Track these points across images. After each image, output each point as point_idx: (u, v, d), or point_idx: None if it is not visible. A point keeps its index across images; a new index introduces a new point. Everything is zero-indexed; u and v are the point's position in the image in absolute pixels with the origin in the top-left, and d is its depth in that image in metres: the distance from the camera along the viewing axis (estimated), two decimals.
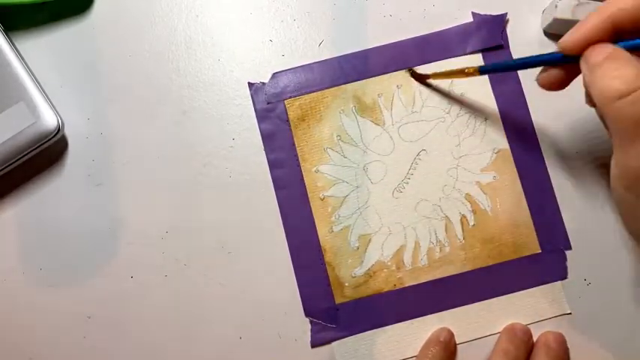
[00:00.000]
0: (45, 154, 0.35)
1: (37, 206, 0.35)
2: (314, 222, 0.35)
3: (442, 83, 0.36)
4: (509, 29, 0.36)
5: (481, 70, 0.32)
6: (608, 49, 0.24)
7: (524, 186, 0.35)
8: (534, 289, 0.34)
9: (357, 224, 0.35)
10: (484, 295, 0.34)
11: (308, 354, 0.34)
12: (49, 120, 0.33)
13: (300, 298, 0.34)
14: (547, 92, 0.36)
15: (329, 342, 0.34)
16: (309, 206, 0.35)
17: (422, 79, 0.36)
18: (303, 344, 0.34)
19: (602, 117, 0.28)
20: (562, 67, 0.27)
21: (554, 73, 0.28)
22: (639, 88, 0.23)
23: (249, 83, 0.36)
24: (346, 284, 0.34)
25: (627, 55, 0.24)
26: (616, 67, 0.24)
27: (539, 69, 0.29)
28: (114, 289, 0.34)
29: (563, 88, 0.28)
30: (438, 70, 0.35)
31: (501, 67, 0.33)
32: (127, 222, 0.35)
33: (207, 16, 0.37)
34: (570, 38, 0.26)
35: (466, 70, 0.33)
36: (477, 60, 0.36)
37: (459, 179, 0.35)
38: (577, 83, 0.35)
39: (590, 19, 0.25)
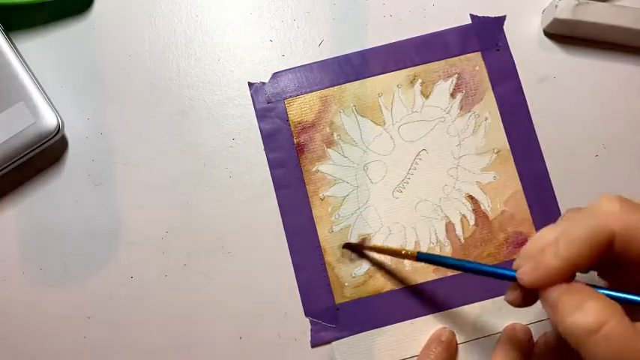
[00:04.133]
0: (45, 154, 0.35)
1: (37, 206, 0.35)
2: (314, 222, 0.35)
3: (444, 84, 0.36)
4: (509, 29, 0.36)
5: (418, 257, 0.30)
6: (564, 284, 0.23)
7: (524, 186, 0.35)
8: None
9: (357, 224, 0.35)
10: (484, 295, 0.34)
11: (308, 354, 0.34)
12: (49, 120, 0.33)
13: (300, 298, 0.34)
14: (547, 92, 0.36)
15: (329, 342, 0.34)
16: (309, 206, 0.35)
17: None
18: (303, 344, 0.34)
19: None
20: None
21: (515, 295, 0.25)
22: (609, 321, 0.21)
23: (249, 83, 0.36)
24: (346, 284, 0.34)
25: (586, 286, 0.23)
26: (578, 302, 0.22)
27: None
28: (114, 289, 0.34)
29: (533, 303, 0.25)
30: (378, 245, 0.34)
31: (439, 262, 0.30)
32: (127, 222, 0.35)
33: (207, 16, 0.37)
34: (530, 275, 0.24)
35: (404, 252, 0.31)
36: (476, 58, 0.36)
37: (459, 179, 0.35)
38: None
39: (552, 261, 0.23)
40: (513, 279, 0.25)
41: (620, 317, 0.21)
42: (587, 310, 0.21)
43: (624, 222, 0.22)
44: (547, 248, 0.23)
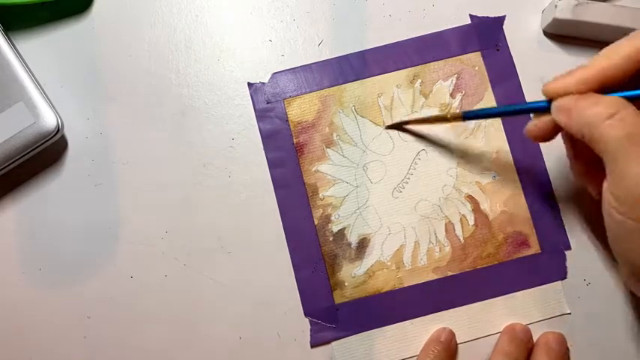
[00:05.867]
0: (45, 154, 0.35)
1: (37, 206, 0.35)
2: (314, 222, 0.35)
3: (443, 84, 0.36)
4: (508, 29, 0.36)
5: (464, 116, 0.31)
6: (576, 95, 0.25)
7: (524, 186, 0.35)
8: (534, 289, 0.34)
9: (357, 224, 0.35)
10: (484, 295, 0.34)
11: (308, 354, 0.34)
12: (48, 120, 0.33)
13: (300, 298, 0.34)
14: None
15: (328, 342, 0.34)
16: (309, 206, 0.35)
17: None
18: (302, 344, 0.34)
19: (577, 167, 0.28)
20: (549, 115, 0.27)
21: (542, 121, 0.27)
22: (622, 109, 0.23)
23: (248, 83, 0.36)
24: (346, 284, 0.34)
25: (597, 93, 0.25)
26: (593, 100, 0.24)
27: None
28: (114, 289, 0.34)
29: (552, 139, 0.28)
30: (417, 117, 0.35)
31: (486, 114, 0.31)
32: (127, 222, 0.35)
33: (207, 16, 0.37)
34: (557, 84, 0.26)
35: (448, 116, 0.32)
36: (476, 58, 0.36)
37: (458, 179, 0.35)
38: None
39: (584, 71, 0.25)
40: (544, 106, 0.27)
41: (630, 107, 0.23)
42: (603, 103, 0.24)
43: None
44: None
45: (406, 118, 0.35)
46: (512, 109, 0.29)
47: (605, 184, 0.25)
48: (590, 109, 0.24)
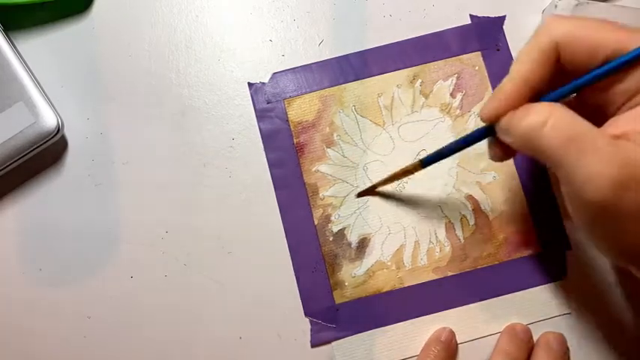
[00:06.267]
0: (45, 154, 0.35)
1: (37, 206, 0.35)
2: (314, 222, 0.35)
3: (444, 84, 0.36)
4: (508, 29, 0.36)
5: (424, 163, 0.31)
6: (512, 111, 0.24)
7: (524, 186, 0.35)
8: (534, 289, 0.34)
9: (357, 224, 0.35)
10: (484, 295, 0.34)
11: (308, 354, 0.34)
12: (48, 120, 0.33)
13: (300, 298, 0.34)
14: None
15: (329, 342, 0.34)
16: (309, 206, 0.35)
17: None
18: (303, 344, 0.34)
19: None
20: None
21: (497, 146, 0.27)
22: (553, 114, 0.23)
23: (249, 83, 0.36)
24: (346, 284, 0.34)
25: (529, 102, 0.24)
26: (525, 111, 0.24)
27: None
28: (114, 289, 0.34)
29: (514, 155, 0.28)
30: (382, 178, 0.34)
31: (441, 154, 0.30)
32: (127, 222, 0.35)
33: (207, 16, 0.37)
34: (488, 107, 0.25)
35: (411, 168, 0.32)
36: (476, 58, 0.36)
37: (459, 179, 0.35)
38: None
39: (506, 85, 0.25)
40: (487, 131, 0.27)
41: (562, 109, 0.23)
42: (532, 112, 0.23)
43: (565, 30, 0.24)
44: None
45: (374, 182, 0.35)
46: (463, 142, 0.28)
47: (566, 198, 0.24)
48: (524, 122, 0.23)
